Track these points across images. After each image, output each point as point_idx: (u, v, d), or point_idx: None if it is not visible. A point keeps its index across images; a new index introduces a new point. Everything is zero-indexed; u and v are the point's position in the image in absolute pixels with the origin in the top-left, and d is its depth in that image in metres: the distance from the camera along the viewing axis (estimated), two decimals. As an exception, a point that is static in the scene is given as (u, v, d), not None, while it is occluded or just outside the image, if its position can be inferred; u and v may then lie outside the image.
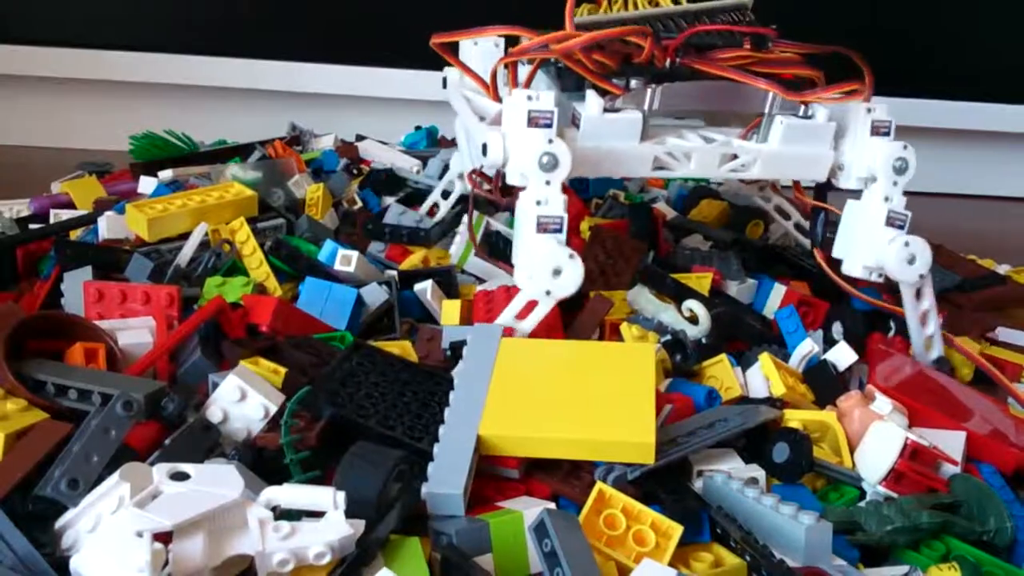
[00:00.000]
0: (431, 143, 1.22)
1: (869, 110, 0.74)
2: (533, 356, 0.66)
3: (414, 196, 1.04)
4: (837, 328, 0.80)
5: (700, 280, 0.85)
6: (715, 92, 0.72)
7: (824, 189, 0.80)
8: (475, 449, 0.56)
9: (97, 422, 0.54)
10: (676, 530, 0.51)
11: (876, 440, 0.61)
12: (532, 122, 0.66)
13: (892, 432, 0.60)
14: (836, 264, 0.79)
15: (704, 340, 0.75)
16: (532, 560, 0.51)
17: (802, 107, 0.74)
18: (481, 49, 0.87)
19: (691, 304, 0.76)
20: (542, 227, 0.68)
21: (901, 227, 0.75)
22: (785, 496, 0.56)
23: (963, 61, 1.47)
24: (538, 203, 0.68)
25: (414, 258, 0.87)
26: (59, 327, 0.64)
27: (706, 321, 0.76)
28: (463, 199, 0.94)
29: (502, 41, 0.86)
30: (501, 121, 0.69)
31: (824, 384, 0.70)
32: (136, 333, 0.66)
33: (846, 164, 0.76)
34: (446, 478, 0.53)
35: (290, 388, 0.61)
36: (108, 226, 0.84)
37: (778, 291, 0.85)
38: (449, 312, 0.79)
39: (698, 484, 0.59)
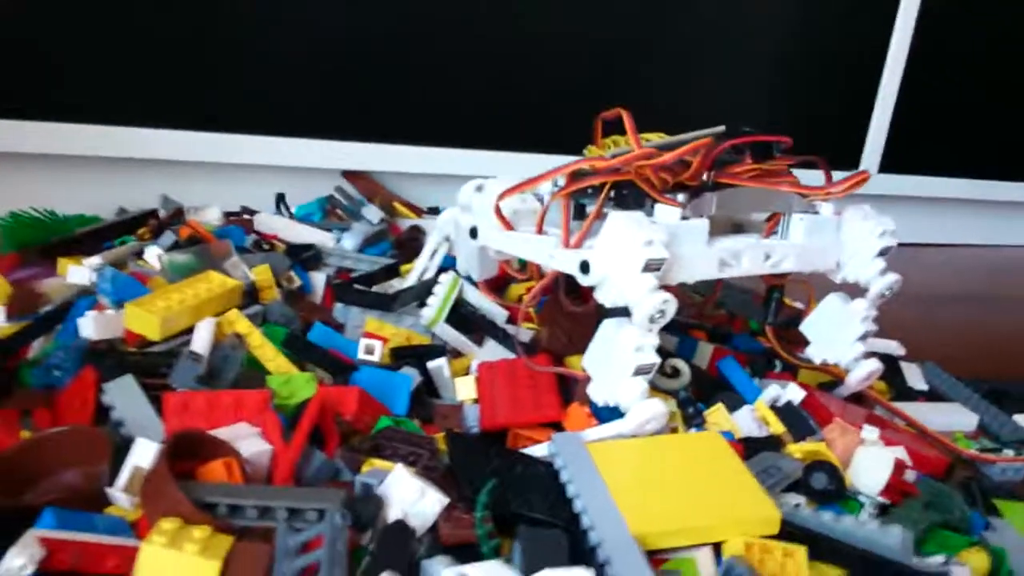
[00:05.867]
0: (324, 215, 1.23)
1: (883, 233, 0.86)
2: (626, 455, 0.71)
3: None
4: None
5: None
6: (751, 198, 0.82)
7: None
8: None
9: (329, 536, 0.56)
10: (801, 551, 0.65)
11: (869, 461, 0.79)
12: (648, 268, 0.72)
13: (883, 454, 0.79)
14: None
15: (684, 392, 0.89)
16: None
17: (808, 206, 0.85)
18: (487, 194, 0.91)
19: (674, 362, 0.90)
20: (640, 372, 0.74)
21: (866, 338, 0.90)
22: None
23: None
24: (638, 349, 0.74)
25: (398, 337, 0.92)
26: (188, 445, 0.63)
27: (687, 375, 0.90)
28: (441, 269, 0.99)
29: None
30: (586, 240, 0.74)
31: (794, 420, 0.87)
32: (249, 442, 0.66)
33: (843, 263, 0.88)
34: None
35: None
36: (96, 327, 0.79)
37: (705, 348, 1.00)
38: (464, 389, 0.86)
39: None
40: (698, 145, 0.76)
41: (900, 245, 0.90)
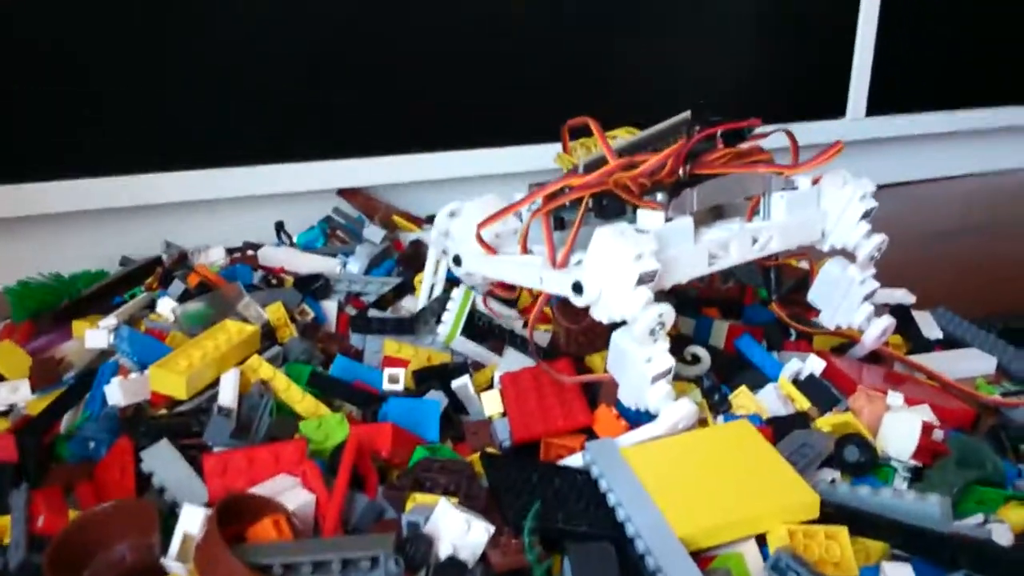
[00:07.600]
0: (326, 239, 1.24)
1: (864, 196, 0.87)
2: (661, 456, 0.72)
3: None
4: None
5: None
6: (729, 185, 0.81)
7: None
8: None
9: (384, 585, 0.57)
10: (842, 531, 0.66)
11: (897, 427, 0.80)
12: (642, 281, 0.72)
13: (910, 418, 0.80)
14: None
15: (707, 380, 0.90)
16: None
17: (786, 182, 0.86)
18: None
19: (693, 349, 0.91)
20: (656, 379, 0.75)
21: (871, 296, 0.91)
22: (857, 483, 0.73)
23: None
24: (648, 360, 0.75)
25: (419, 358, 0.93)
26: (234, 508, 0.64)
27: (707, 360, 0.91)
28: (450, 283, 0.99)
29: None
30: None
31: (818, 393, 0.88)
32: (293, 494, 0.67)
33: (827, 231, 0.89)
34: None
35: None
36: (123, 393, 0.79)
37: (720, 327, 1.01)
38: (490, 403, 0.86)
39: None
40: (670, 153, 0.76)
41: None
